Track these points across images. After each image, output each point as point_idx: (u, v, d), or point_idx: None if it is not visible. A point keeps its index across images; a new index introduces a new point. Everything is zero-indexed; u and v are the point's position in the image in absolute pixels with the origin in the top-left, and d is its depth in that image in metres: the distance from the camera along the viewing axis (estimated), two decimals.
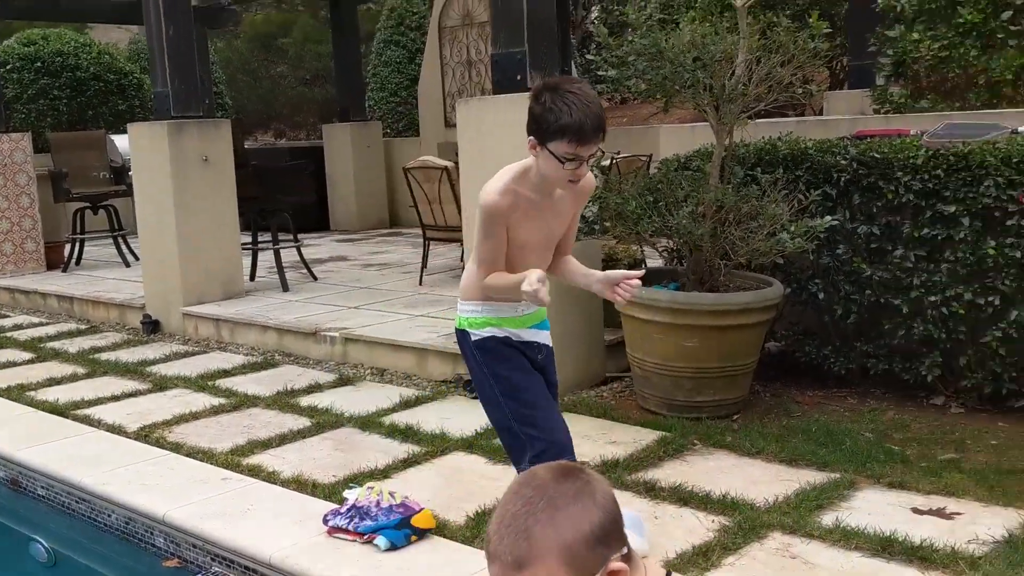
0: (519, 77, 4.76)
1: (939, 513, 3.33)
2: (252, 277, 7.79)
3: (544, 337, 2.86)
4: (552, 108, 2.44)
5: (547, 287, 2.48)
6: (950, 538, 3.07)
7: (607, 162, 6.50)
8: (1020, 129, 4.38)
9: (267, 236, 7.76)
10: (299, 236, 8.05)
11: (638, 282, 2.59)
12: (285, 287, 7.40)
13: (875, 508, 3.36)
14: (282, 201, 7.94)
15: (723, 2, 4.67)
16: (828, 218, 4.33)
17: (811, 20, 4.25)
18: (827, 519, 3.25)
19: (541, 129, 2.48)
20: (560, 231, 2.76)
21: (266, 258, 8.04)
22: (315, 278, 7.85)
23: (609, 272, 2.68)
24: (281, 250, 7.59)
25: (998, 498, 3.41)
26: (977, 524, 3.20)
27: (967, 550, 2.99)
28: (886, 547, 3.02)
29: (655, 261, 5.69)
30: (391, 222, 11.79)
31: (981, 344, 4.31)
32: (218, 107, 15.00)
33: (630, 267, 5.43)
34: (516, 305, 2.74)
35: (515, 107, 4.78)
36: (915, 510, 3.35)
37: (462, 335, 2.80)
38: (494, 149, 4.90)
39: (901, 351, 4.59)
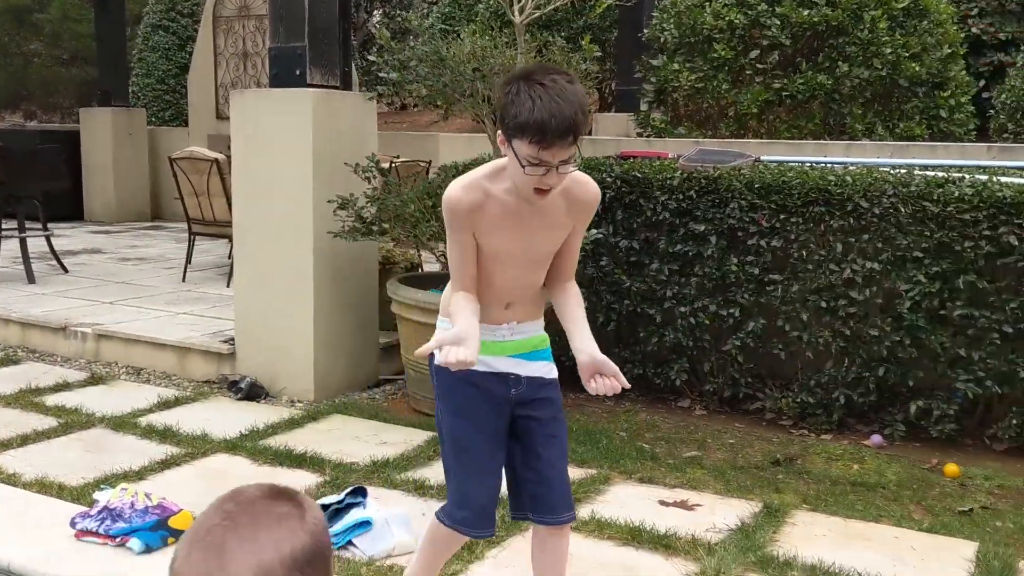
0: (298, 72, 4.70)
1: (682, 505, 3.61)
2: None
3: (530, 369, 2.34)
4: (516, 100, 2.03)
5: (467, 350, 2.07)
6: (691, 527, 3.34)
7: (387, 165, 6.53)
8: (763, 158, 4.84)
9: (12, 224, 7.13)
10: (49, 226, 7.46)
11: (620, 387, 2.18)
12: (31, 279, 6.84)
13: (626, 501, 3.59)
14: (31, 187, 7.34)
15: (502, 18, 4.83)
16: (594, 231, 4.57)
17: (583, 43, 4.49)
18: (584, 511, 3.43)
19: (504, 123, 2.08)
20: (549, 247, 2.26)
21: (11, 247, 7.38)
22: (66, 270, 7.31)
23: (600, 357, 2.22)
24: (28, 239, 7.00)
25: (733, 491, 3.75)
26: (715, 514, 3.49)
27: (705, 538, 3.26)
28: (635, 536, 3.24)
29: (433, 265, 5.77)
30: (153, 215, 11.17)
31: (722, 352, 4.71)
32: None
33: (407, 270, 5.48)
34: (495, 327, 2.29)
35: (293, 101, 4.73)
36: (662, 502, 3.61)
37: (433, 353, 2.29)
38: (269, 143, 4.80)
39: (654, 357, 4.93)
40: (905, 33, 6.19)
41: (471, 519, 2.31)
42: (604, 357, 2.22)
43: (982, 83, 9.10)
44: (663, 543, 3.20)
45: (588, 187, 2.23)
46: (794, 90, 6.09)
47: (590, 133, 9.32)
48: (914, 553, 3.22)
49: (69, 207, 10.60)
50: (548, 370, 2.38)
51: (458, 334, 2.10)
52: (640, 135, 6.94)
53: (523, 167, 2.06)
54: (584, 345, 2.23)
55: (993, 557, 3.16)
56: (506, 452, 2.36)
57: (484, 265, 2.24)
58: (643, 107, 7.13)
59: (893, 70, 6.10)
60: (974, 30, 8.97)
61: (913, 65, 6.13)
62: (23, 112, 19.87)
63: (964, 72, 6.82)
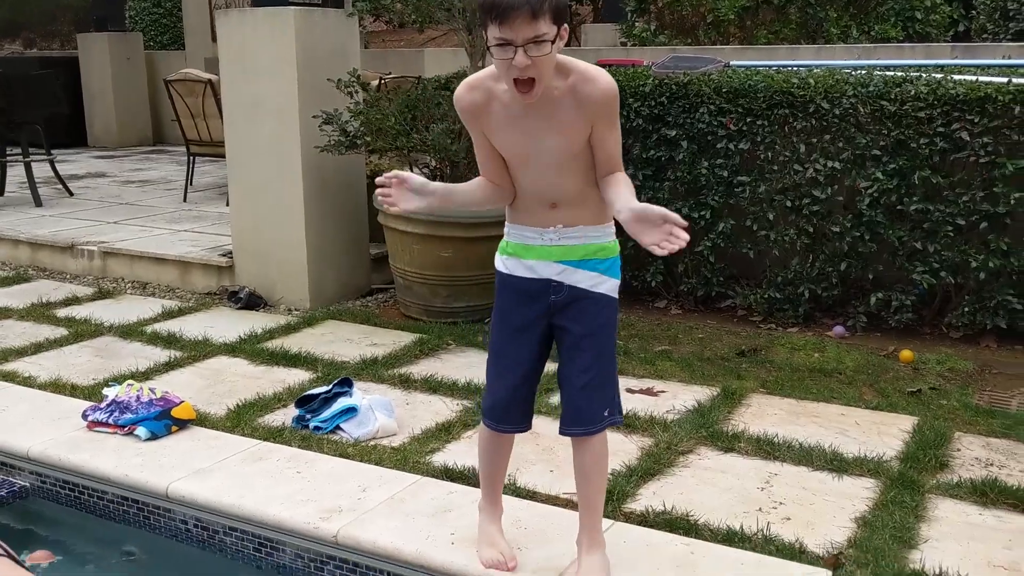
0: None
1: (647, 392, 3.88)
2: (0, 192, 7.38)
3: (574, 278, 2.26)
4: None
5: (406, 197, 2.19)
6: (653, 409, 3.62)
7: (375, 82, 6.69)
8: (732, 63, 4.99)
9: (17, 150, 7.35)
10: (53, 151, 7.68)
11: (680, 234, 1.99)
12: (38, 202, 7.09)
13: None
14: (32, 113, 7.53)
15: None
16: None
17: None
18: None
19: (479, 15, 2.09)
20: (564, 150, 2.16)
21: (16, 172, 7.62)
22: (71, 194, 7.55)
23: (639, 206, 2.04)
24: (33, 164, 7.23)
25: (696, 379, 4.02)
26: (676, 399, 3.77)
27: (664, 417, 3.55)
28: None
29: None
30: (155, 139, 11.36)
31: (696, 253, 4.93)
32: None
33: None
34: (542, 231, 2.25)
35: (275, 20, 4.88)
36: (628, 390, 3.87)
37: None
38: (255, 62, 4.97)
39: (631, 261, 5.13)
40: None
41: (490, 411, 2.42)
42: (644, 204, 2.04)
43: None
44: (624, 423, 3.48)
45: (597, 82, 2.09)
46: None
47: (576, 44, 9.39)
48: (857, 427, 3.49)
49: (72, 133, 10.80)
50: (595, 283, 2.27)
51: (404, 176, 2.23)
52: (624, 44, 7.05)
53: (492, 53, 2.01)
54: (622, 205, 2.07)
55: (929, 429, 3.43)
56: (546, 355, 2.38)
57: (509, 165, 2.22)
58: (627, 16, 7.22)
59: None
60: None
61: None
62: (23, 40, 19.85)
63: None
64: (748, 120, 4.62)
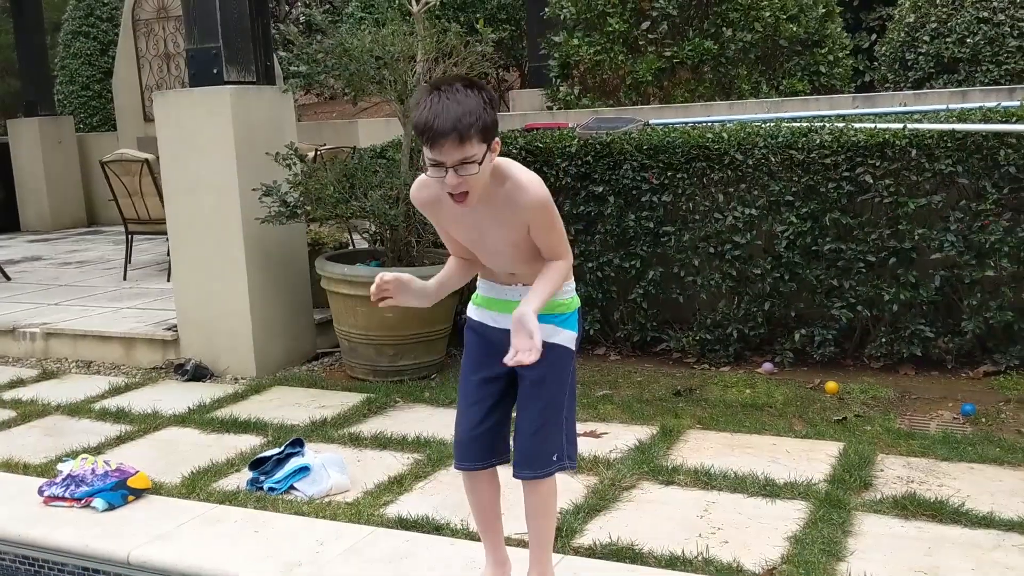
0: (215, 71, 5.02)
1: (591, 434, 4.05)
2: None
3: None
4: (416, 105, 2.18)
5: (404, 296, 2.42)
6: (597, 450, 3.79)
7: (311, 154, 6.87)
8: (651, 122, 5.28)
9: None
10: None
11: (534, 357, 2.21)
12: None
13: None
14: None
15: (403, 9, 5.17)
16: None
17: (479, 26, 4.88)
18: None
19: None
20: (509, 240, 2.34)
21: None
22: (8, 278, 7.54)
23: (517, 315, 2.26)
24: None
25: (637, 419, 4.20)
26: (618, 439, 3.95)
27: (607, 457, 3.71)
28: None
29: (363, 245, 6.14)
30: (89, 220, 11.34)
31: (629, 301, 5.17)
32: None
33: (335, 249, 5.84)
34: (505, 287, 2.46)
35: (212, 100, 5.05)
36: None
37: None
38: (193, 140, 5.12)
39: None
40: None
41: (456, 450, 2.56)
42: (524, 317, 2.23)
43: (874, 37, 9.69)
44: None
45: (525, 193, 2.26)
46: (684, 56, 6.56)
47: (505, 109, 9.72)
48: (788, 455, 3.70)
49: (3, 219, 10.74)
50: (549, 334, 2.38)
51: (390, 277, 2.43)
52: (549, 108, 7.36)
53: (426, 170, 2.19)
54: (524, 302, 2.28)
55: (853, 453, 3.65)
56: (510, 396, 2.53)
57: (468, 247, 2.44)
58: (551, 81, 7.55)
59: (773, 31, 6.60)
60: None
61: (791, 26, 6.63)
62: None
63: (841, 29, 7.35)
64: (669, 174, 4.90)
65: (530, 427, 2.45)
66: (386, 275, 2.43)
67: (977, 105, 4.71)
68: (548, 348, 2.36)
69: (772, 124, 4.77)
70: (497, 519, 2.65)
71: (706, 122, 5.23)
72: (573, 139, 5.15)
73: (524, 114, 6.82)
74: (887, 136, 4.45)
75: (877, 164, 4.49)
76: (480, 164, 2.15)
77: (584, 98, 6.87)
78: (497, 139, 2.21)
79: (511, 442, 2.55)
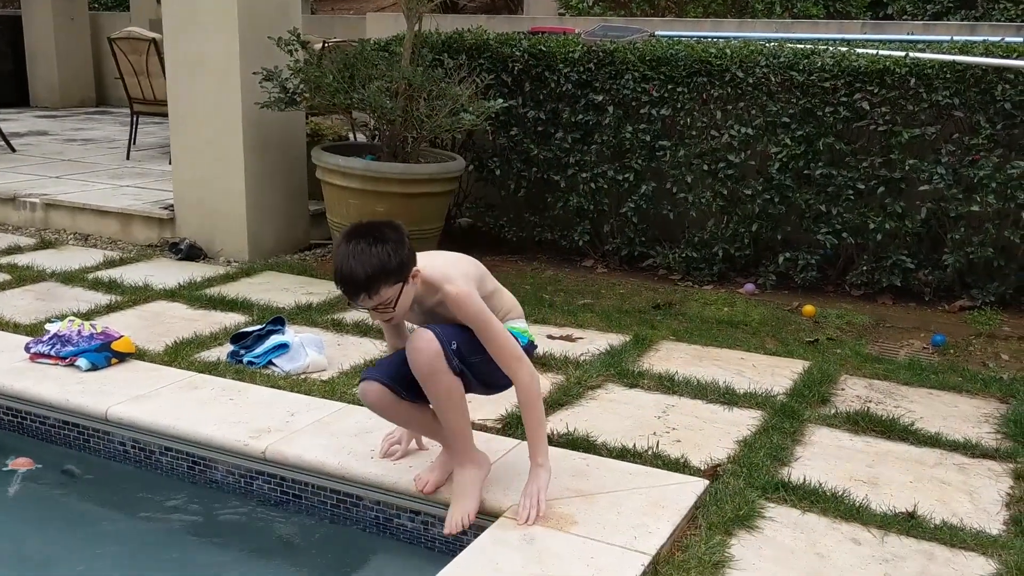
0: None
1: (567, 338, 4.15)
2: None
3: None
4: (333, 255, 2.51)
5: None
6: (569, 352, 3.89)
7: (319, 46, 6.83)
8: (657, 33, 5.25)
9: None
10: None
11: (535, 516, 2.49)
12: None
13: None
14: None
15: None
16: (500, 101, 4.98)
17: None
18: None
19: None
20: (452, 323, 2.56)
21: None
22: (13, 150, 7.59)
23: (534, 477, 2.54)
24: None
25: (613, 328, 4.29)
26: (592, 344, 4.04)
27: (578, 359, 3.81)
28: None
29: (364, 140, 6.16)
30: (98, 100, 11.32)
31: (620, 214, 5.21)
32: None
33: (334, 140, 5.87)
34: None
35: None
36: (549, 336, 4.14)
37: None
38: (198, 20, 5.11)
39: (560, 221, 5.43)
40: None
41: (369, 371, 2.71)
42: (536, 474, 2.53)
43: None
44: (540, 362, 3.73)
45: (457, 309, 2.46)
46: None
47: (521, 11, 9.58)
48: (754, 369, 3.80)
49: (14, 93, 10.73)
50: None
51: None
52: (562, 15, 7.28)
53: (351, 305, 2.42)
54: (533, 466, 2.55)
55: (817, 371, 3.75)
56: None
57: None
58: None
59: None
60: None
61: None
62: None
63: None
64: (669, 87, 4.89)
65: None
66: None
67: (981, 38, 4.67)
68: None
69: (775, 44, 4.74)
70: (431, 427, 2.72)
71: (712, 37, 5.19)
72: (577, 45, 5.13)
73: (533, 18, 6.76)
74: (888, 63, 4.42)
75: (875, 91, 4.48)
76: (396, 303, 2.40)
77: (597, 6, 6.79)
78: (415, 268, 2.41)
79: None
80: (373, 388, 2.58)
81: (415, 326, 2.59)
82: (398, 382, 2.57)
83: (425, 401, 2.59)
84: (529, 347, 2.65)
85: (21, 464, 3.16)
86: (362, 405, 3.23)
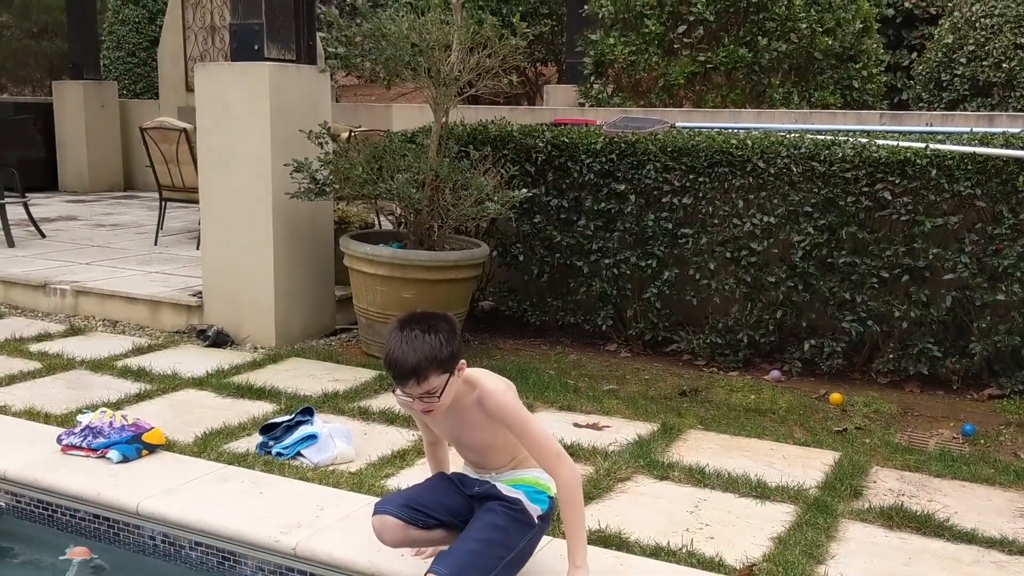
0: (256, 47, 5.15)
1: (594, 427, 4.14)
2: None
3: (493, 488, 2.67)
4: (386, 340, 2.46)
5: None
6: (597, 441, 3.88)
7: (345, 134, 6.99)
8: (677, 124, 5.35)
9: None
10: (26, 195, 7.87)
11: None
12: (11, 243, 7.27)
13: (545, 423, 4.10)
14: (7, 156, 7.73)
15: None
16: (524, 190, 5.07)
17: (515, 21, 4.97)
18: None
19: None
20: (480, 441, 2.63)
21: None
22: (43, 236, 7.74)
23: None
24: (7, 206, 7.42)
25: (640, 415, 4.29)
26: (619, 433, 4.03)
27: (606, 449, 3.81)
28: None
29: (388, 227, 6.27)
30: (126, 185, 11.57)
31: (643, 299, 5.25)
32: None
33: (361, 229, 5.96)
34: (473, 474, 2.76)
35: (252, 75, 5.18)
36: (576, 424, 4.14)
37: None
38: (231, 113, 5.26)
39: (583, 305, 5.47)
40: (820, 9, 6.71)
41: (384, 501, 2.78)
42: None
43: (914, 55, 9.66)
44: (569, 452, 3.71)
45: (492, 399, 2.50)
46: (718, 62, 6.61)
47: (540, 103, 9.79)
48: (784, 461, 3.77)
49: (43, 178, 10.99)
50: (520, 498, 2.62)
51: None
52: (581, 105, 7.44)
53: (395, 392, 2.47)
54: (571, 567, 2.54)
55: (848, 462, 3.72)
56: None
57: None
58: (585, 78, 7.63)
59: (809, 44, 6.63)
60: (907, 4, 9.51)
61: (827, 39, 6.66)
62: None
63: (878, 46, 7.36)
64: (691, 177, 4.97)
65: (467, 545, 2.52)
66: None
67: (1001, 130, 4.74)
68: (514, 501, 2.61)
69: (796, 135, 4.83)
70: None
71: (733, 129, 5.29)
72: (599, 136, 5.24)
73: (555, 109, 6.91)
74: (908, 154, 4.49)
75: (897, 181, 4.53)
76: (442, 393, 2.42)
77: (616, 97, 6.94)
78: (462, 361, 2.46)
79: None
80: (387, 523, 2.66)
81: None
82: (413, 510, 2.64)
83: (441, 528, 2.67)
84: (549, 509, 2.67)
85: (78, 553, 3.18)
86: None
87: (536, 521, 2.63)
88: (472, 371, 2.54)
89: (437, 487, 2.75)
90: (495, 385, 2.52)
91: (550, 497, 2.66)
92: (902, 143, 4.61)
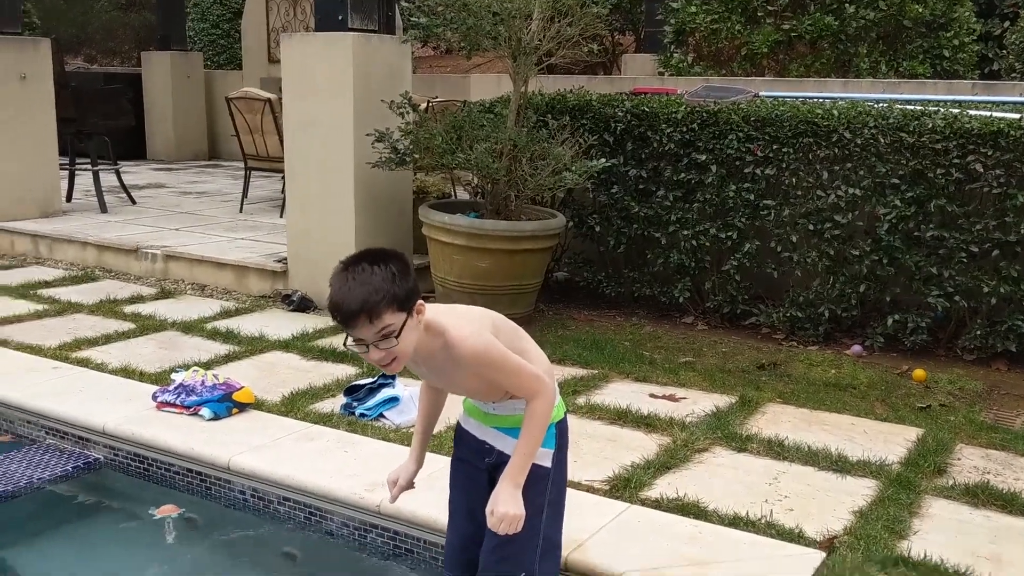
0: (340, 18, 5.22)
1: (670, 398, 4.15)
2: (68, 198, 7.85)
3: (505, 444, 2.39)
4: (330, 283, 2.18)
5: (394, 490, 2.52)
6: (673, 413, 3.89)
7: (423, 105, 7.05)
8: (760, 94, 5.27)
9: (84, 160, 7.82)
10: (117, 162, 8.15)
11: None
12: (104, 208, 7.53)
13: (620, 394, 4.14)
14: (100, 124, 7.99)
15: None
16: (603, 160, 5.06)
17: None
18: (580, 400, 4.00)
19: None
20: (466, 385, 2.35)
21: (83, 182, 8.09)
22: (134, 202, 8.00)
23: (494, 492, 2.26)
24: (100, 173, 7.69)
25: (717, 388, 4.28)
26: (696, 404, 4.03)
27: (683, 420, 3.81)
28: (621, 417, 3.81)
29: (464, 197, 6.32)
30: (210, 154, 11.86)
31: (722, 271, 5.20)
32: (26, 27, 14.34)
33: (438, 198, 6.03)
34: (482, 404, 2.44)
35: (335, 45, 5.26)
36: (651, 395, 4.15)
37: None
38: (314, 83, 5.35)
39: (660, 277, 5.45)
40: None
41: (445, 558, 2.59)
42: (497, 492, 2.24)
43: (1007, 24, 9.30)
44: (645, 422, 3.76)
45: (458, 349, 2.19)
46: (803, 30, 6.47)
47: (617, 72, 9.70)
48: (864, 436, 3.73)
49: (132, 146, 11.32)
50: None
51: (394, 478, 2.60)
52: (661, 74, 7.36)
53: (347, 344, 2.17)
54: (502, 478, 2.26)
55: (932, 439, 3.66)
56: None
57: None
58: (665, 47, 7.54)
59: (898, 11, 6.44)
60: None
61: (917, 7, 6.45)
62: (84, 56, 20.67)
63: (970, 14, 7.09)
64: (774, 147, 4.89)
65: (490, 541, 2.35)
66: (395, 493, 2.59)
67: None
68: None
69: (884, 105, 4.71)
70: None
71: (817, 98, 5.18)
72: (680, 105, 5.18)
73: (634, 78, 6.86)
74: (1002, 125, 4.35)
75: (989, 153, 4.40)
76: (399, 334, 2.10)
77: (696, 66, 6.85)
78: (420, 302, 2.16)
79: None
80: None
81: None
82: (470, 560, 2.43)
83: None
84: (558, 440, 2.42)
85: (167, 511, 3.32)
86: None
87: (550, 463, 2.39)
88: (434, 314, 2.21)
89: (464, 509, 2.52)
90: (461, 330, 2.20)
91: (555, 425, 2.40)
92: (996, 114, 4.47)
